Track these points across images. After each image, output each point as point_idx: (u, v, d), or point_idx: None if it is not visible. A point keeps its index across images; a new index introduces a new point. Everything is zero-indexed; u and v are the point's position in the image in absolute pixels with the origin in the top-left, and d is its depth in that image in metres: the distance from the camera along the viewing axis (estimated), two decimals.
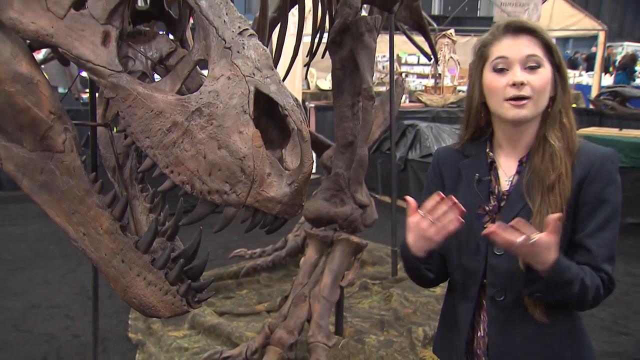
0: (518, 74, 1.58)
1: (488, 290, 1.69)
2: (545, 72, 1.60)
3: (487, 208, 1.70)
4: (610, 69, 15.57)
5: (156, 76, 1.72)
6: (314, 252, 3.62)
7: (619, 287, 5.07)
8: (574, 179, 1.59)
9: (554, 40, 1.66)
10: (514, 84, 1.58)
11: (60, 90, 9.08)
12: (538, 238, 1.43)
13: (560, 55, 1.65)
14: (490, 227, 1.47)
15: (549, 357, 1.68)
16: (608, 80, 13.71)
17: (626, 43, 19.95)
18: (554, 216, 1.43)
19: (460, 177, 1.77)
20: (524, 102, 1.59)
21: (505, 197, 1.69)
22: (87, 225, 1.68)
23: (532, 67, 1.59)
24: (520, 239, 1.42)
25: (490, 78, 1.64)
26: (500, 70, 1.62)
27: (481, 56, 1.68)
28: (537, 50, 1.60)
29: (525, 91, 1.58)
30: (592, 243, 1.59)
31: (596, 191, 1.60)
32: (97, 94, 2.27)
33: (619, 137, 7.30)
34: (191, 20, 1.86)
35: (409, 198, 1.62)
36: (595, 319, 4.34)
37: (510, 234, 1.43)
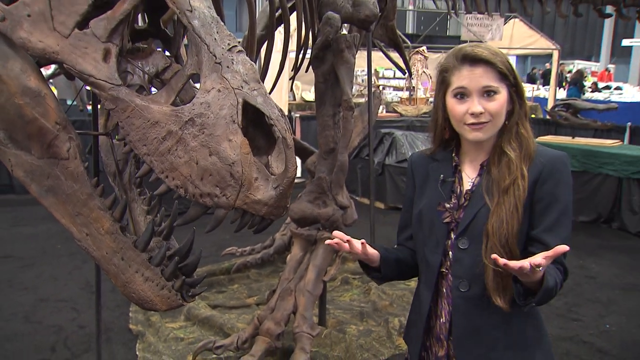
0: (476, 104, 1.60)
1: (453, 281, 1.70)
2: (501, 97, 1.62)
3: (447, 205, 1.72)
4: (564, 83, 15.76)
5: (153, 89, 1.72)
6: (299, 250, 3.61)
7: (572, 278, 5.14)
8: (528, 179, 1.61)
9: (510, 61, 1.66)
10: (472, 114, 1.61)
11: (68, 102, 9.02)
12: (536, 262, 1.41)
13: (516, 75, 1.65)
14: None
15: (511, 343, 1.68)
16: (562, 93, 13.88)
17: (576, 61, 20.25)
18: (559, 249, 1.39)
19: (428, 178, 1.79)
20: (481, 126, 1.62)
21: (466, 196, 1.71)
22: (89, 226, 1.68)
23: (488, 94, 1.61)
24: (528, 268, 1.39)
25: (452, 104, 1.66)
26: (461, 97, 1.64)
27: (442, 81, 1.70)
28: (492, 80, 1.61)
29: (484, 117, 1.61)
30: (548, 238, 1.59)
31: (548, 190, 1.61)
32: (99, 106, 2.26)
33: (572, 144, 7.40)
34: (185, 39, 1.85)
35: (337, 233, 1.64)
36: (552, 307, 4.38)
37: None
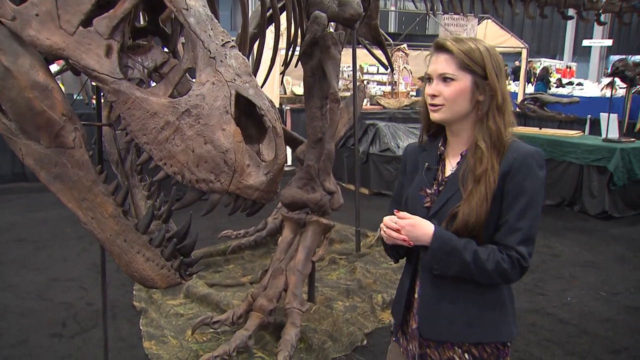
0: (432, 86, 1.64)
1: (422, 259, 1.70)
2: (457, 84, 1.61)
3: (428, 191, 1.71)
4: (532, 79, 15.79)
5: (152, 82, 1.70)
6: (290, 232, 3.61)
7: (538, 256, 5.20)
8: (500, 172, 1.59)
9: (484, 56, 1.61)
10: (429, 95, 1.64)
11: (75, 96, 8.91)
12: (402, 223, 1.60)
13: (489, 68, 1.61)
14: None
15: (469, 320, 1.67)
16: (530, 88, 13.92)
17: (543, 59, 20.32)
18: (402, 214, 1.60)
19: (417, 166, 1.80)
20: (437, 108, 1.64)
21: (444, 182, 1.70)
22: (94, 210, 1.67)
23: (445, 80, 1.62)
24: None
25: (425, 87, 1.70)
26: (428, 81, 1.67)
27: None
28: (450, 68, 1.60)
29: (438, 100, 1.63)
30: (509, 226, 1.58)
31: (516, 183, 1.58)
32: (102, 99, 2.23)
33: (539, 134, 7.45)
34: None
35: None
36: (520, 283, 4.42)
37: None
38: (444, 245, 1.57)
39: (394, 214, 1.65)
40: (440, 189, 1.70)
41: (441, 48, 1.63)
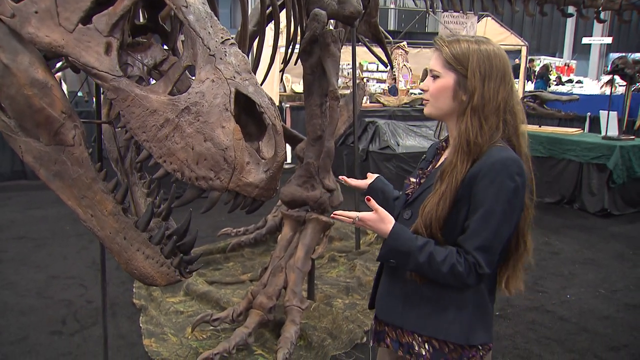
0: (424, 82, 1.68)
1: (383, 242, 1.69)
2: (441, 82, 1.63)
3: (412, 180, 1.78)
4: (531, 77, 15.78)
5: (152, 80, 1.70)
6: (289, 230, 3.61)
7: (538, 254, 5.18)
8: (470, 173, 1.56)
9: (469, 56, 1.59)
10: (421, 89, 1.70)
11: (79, 94, 8.93)
12: (361, 215, 1.62)
13: (469, 66, 1.58)
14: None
15: (422, 313, 1.68)
16: (530, 86, 13.91)
17: (542, 56, 20.30)
18: (372, 203, 1.62)
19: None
20: (426, 102, 1.70)
21: (426, 175, 1.75)
22: (94, 207, 1.67)
23: (433, 76, 1.66)
24: (351, 218, 1.64)
25: None
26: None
27: None
28: (437, 65, 1.64)
29: (426, 95, 1.69)
30: (470, 231, 1.56)
31: (480, 188, 1.54)
32: (102, 96, 2.23)
33: (539, 132, 7.44)
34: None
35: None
36: None
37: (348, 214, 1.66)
38: (399, 245, 1.58)
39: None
40: (422, 180, 1.74)
41: (435, 45, 1.67)
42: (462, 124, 1.59)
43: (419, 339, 1.69)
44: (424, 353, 1.68)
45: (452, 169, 1.58)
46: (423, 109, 1.73)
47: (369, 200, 1.63)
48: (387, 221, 1.60)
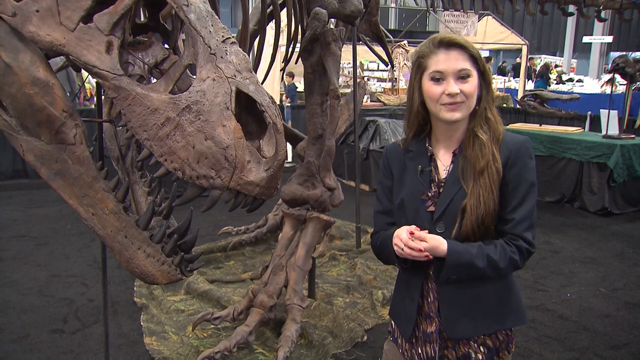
0: (452, 85, 1.59)
1: (435, 263, 1.66)
2: (474, 80, 1.61)
3: (429, 194, 1.69)
4: (532, 76, 15.78)
5: (152, 79, 1.69)
6: (290, 229, 3.61)
7: (538, 253, 5.19)
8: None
9: (480, 51, 1.67)
10: (449, 94, 1.59)
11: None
12: (426, 247, 1.58)
13: (483, 62, 1.65)
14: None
15: (491, 312, 1.70)
16: (530, 85, 13.91)
17: (543, 55, 20.30)
18: (419, 233, 1.60)
19: (405, 168, 1.76)
20: (456, 106, 1.61)
21: (443, 183, 1.69)
22: (95, 206, 1.67)
23: (463, 76, 1.60)
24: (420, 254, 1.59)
25: (428, 86, 1.64)
26: (437, 80, 1.62)
27: (419, 66, 1.66)
28: (466, 63, 1.60)
29: (459, 98, 1.60)
30: (514, 216, 1.62)
31: (515, 173, 1.62)
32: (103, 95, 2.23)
33: (539, 131, 7.43)
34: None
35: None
36: (520, 279, 4.42)
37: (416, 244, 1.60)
38: (460, 259, 1.59)
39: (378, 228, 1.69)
40: (440, 190, 1.68)
41: (452, 44, 1.60)
42: (489, 115, 1.66)
43: (474, 345, 1.71)
44: (480, 357, 1.71)
45: (487, 162, 1.60)
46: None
47: (414, 233, 1.61)
48: (439, 242, 1.59)
